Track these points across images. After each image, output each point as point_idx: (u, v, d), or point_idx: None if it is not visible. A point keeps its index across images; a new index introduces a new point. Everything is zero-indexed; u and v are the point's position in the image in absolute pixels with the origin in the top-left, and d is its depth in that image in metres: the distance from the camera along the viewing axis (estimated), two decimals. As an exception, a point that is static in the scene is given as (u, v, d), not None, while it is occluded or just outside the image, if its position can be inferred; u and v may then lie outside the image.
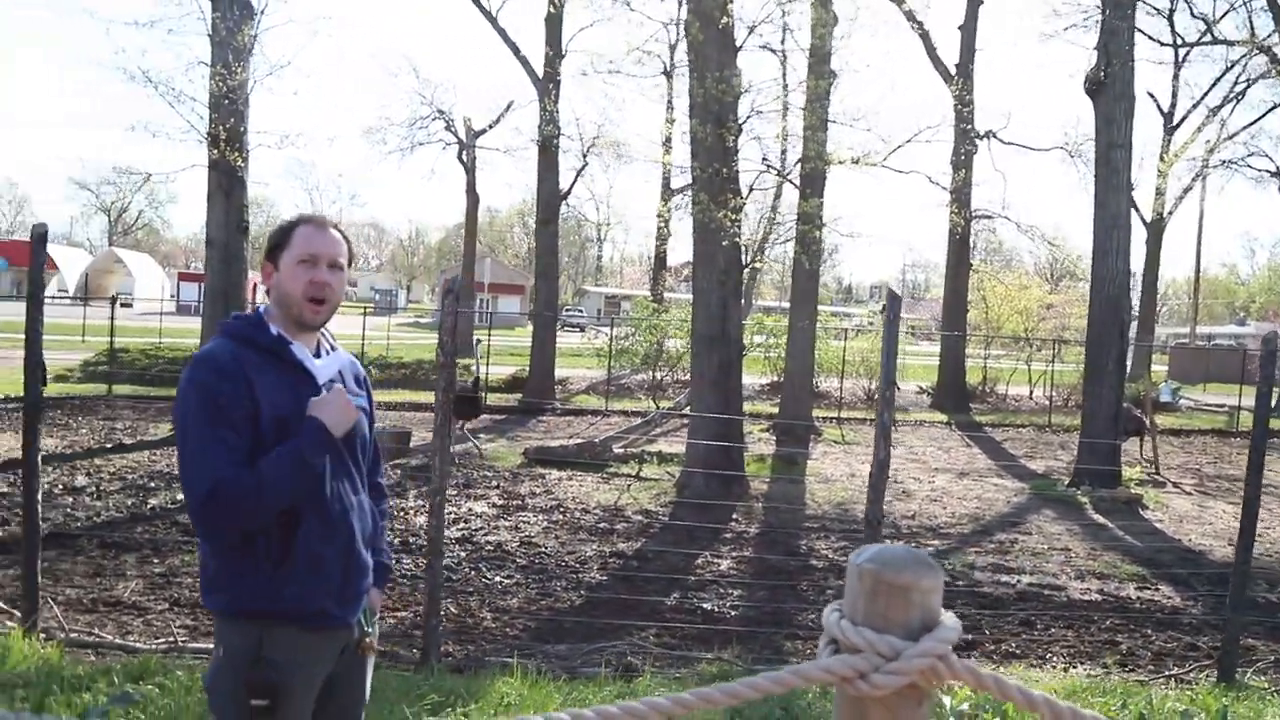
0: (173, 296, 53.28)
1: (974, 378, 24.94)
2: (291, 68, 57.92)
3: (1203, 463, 15.57)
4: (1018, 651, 5.92)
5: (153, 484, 9.57)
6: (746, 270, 18.13)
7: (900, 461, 14.02)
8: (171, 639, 5.02)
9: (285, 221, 2.27)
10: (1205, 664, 5.59)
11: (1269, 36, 25.13)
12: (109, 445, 11.72)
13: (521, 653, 4.93)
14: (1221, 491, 12.66)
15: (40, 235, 4.50)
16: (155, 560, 6.88)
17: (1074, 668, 5.61)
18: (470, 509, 9.27)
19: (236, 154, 13.94)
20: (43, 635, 4.49)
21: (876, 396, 4.63)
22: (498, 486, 10.46)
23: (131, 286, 53.49)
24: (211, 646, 2.21)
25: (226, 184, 14.14)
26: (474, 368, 16.73)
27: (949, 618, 1.24)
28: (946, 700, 3.58)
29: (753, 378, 24.46)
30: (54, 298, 47.91)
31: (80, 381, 18.86)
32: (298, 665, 2.07)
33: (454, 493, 9.94)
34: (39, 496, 4.48)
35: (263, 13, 14.93)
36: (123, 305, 26.07)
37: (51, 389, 17.25)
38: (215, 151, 13.89)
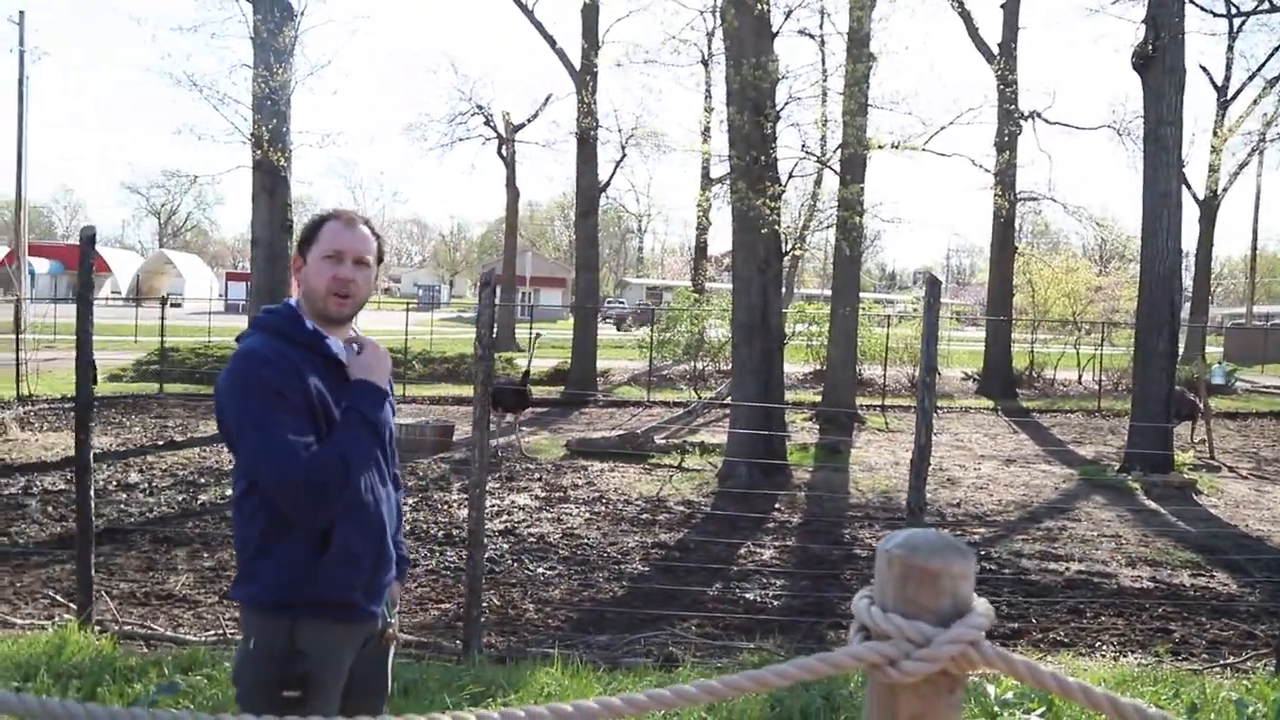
0: (221, 296, 54.33)
1: (1021, 363, 24.52)
2: (331, 67, 58.59)
3: (1260, 446, 15.17)
4: (1066, 640, 5.82)
5: (202, 480, 9.78)
6: (787, 258, 17.97)
7: (946, 449, 13.84)
8: (221, 631, 5.13)
9: (316, 216, 2.29)
10: (1263, 653, 5.44)
11: (1331, 3, 24.24)
12: (161, 443, 11.99)
13: (563, 643, 4.96)
14: (1281, 476, 12.32)
15: (89, 238, 4.60)
16: (205, 554, 7.03)
17: (1125, 656, 5.50)
18: (513, 501, 9.33)
19: (279, 154, 14.15)
20: (97, 627, 4.61)
21: (935, 383, 4.57)
22: (540, 479, 10.51)
23: (181, 287, 54.65)
24: None
25: (270, 184, 14.36)
26: (523, 361, 16.75)
27: (981, 603, 1.22)
28: (991, 689, 3.53)
29: (796, 366, 24.30)
30: (107, 299, 49.09)
31: (133, 380, 19.32)
32: (328, 656, 2.10)
33: (497, 485, 10.01)
34: (91, 493, 4.59)
35: (303, 14, 15.15)
36: (173, 305, 26.66)
37: (105, 388, 17.71)
38: (259, 152, 14.11)
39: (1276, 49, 29.39)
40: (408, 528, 8.18)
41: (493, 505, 9.11)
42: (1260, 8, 28.20)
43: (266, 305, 2.25)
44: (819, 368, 21.81)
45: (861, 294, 17.96)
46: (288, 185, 14.68)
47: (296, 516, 2.03)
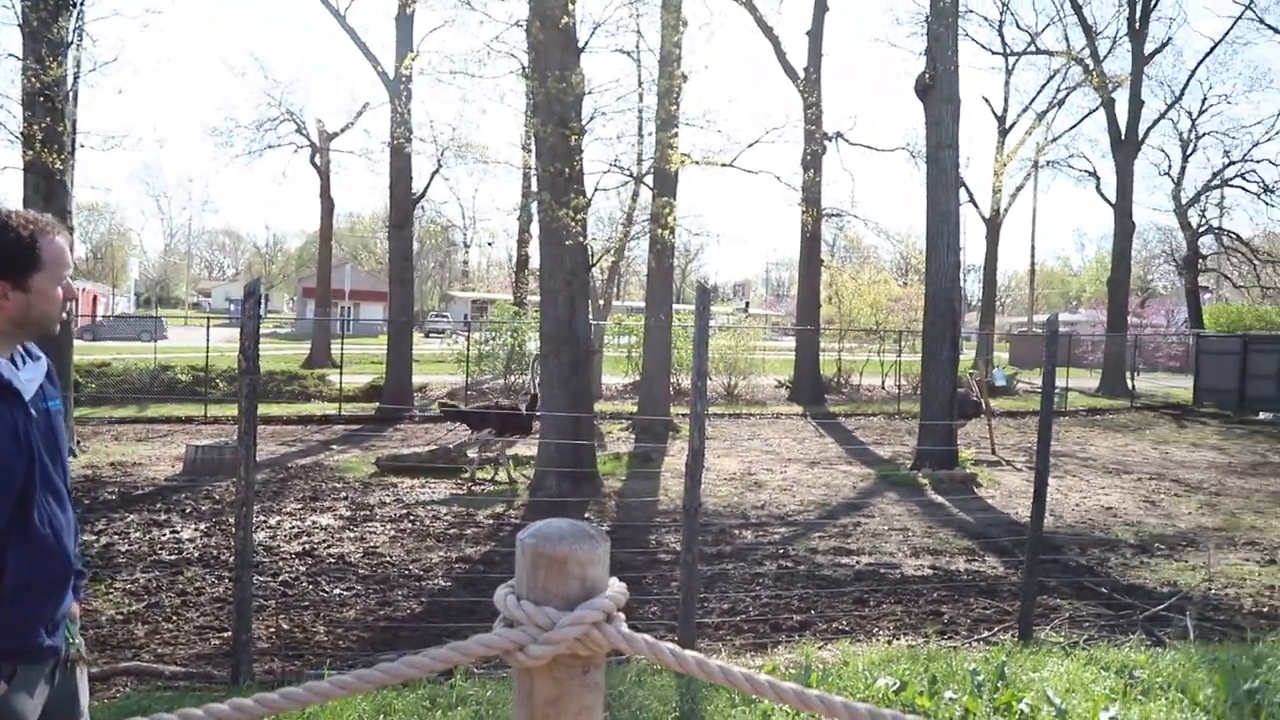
0: None
1: (830, 370, 25.84)
2: (120, 63, 54.55)
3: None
4: (848, 629, 6.16)
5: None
6: (599, 270, 18.19)
7: (756, 454, 14.38)
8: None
9: (13, 236, 1.90)
10: (1011, 625, 5.96)
11: (1082, 50, 27.47)
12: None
13: (348, 665, 4.81)
14: (1049, 467, 13.52)
15: None
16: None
17: (898, 639, 5.88)
18: (314, 522, 8.98)
19: (55, 155, 13.05)
20: None
21: (707, 389, 4.73)
22: (346, 498, 10.17)
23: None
24: None
25: (46, 188, 13.20)
26: (335, 378, 16.03)
27: (614, 586, 1.27)
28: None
29: (616, 378, 24.62)
30: None
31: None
32: (10, 697, 1.90)
33: (299, 506, 9.63)
34: None
35: (82, 4, 14.06)
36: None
37: None
38: (30, 153, 12.97)
39: (1043, 86, 32.68)
40: (197, 553, 7.72)
41: (292, 527, 8.74)
42: (1028, 50, 31.37)
43: None
44: (638, 378, 22.19)
45: (682, 306, 18.43)
46: (66, 191, 13.55)
47: None
